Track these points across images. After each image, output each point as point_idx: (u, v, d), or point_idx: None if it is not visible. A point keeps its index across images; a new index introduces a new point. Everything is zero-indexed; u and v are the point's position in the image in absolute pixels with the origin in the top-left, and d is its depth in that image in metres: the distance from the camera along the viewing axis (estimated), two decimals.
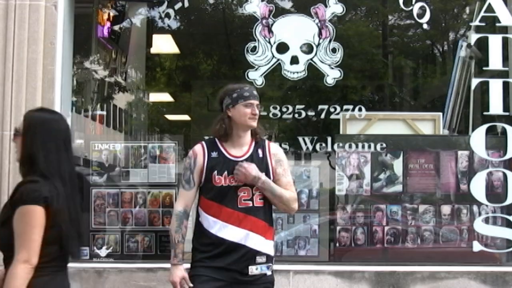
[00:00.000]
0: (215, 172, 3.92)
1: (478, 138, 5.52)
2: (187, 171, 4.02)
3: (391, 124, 5.97)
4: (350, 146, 5.66)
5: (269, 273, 4.00)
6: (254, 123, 3.98)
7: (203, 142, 4.06)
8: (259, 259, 3.93)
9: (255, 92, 4.03)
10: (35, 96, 5.17)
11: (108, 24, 6.30)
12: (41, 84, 5.21)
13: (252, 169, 3.87)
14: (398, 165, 5.65)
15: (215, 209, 3.91)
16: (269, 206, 4.02)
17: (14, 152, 4.82)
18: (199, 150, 4.02)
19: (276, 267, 5.20)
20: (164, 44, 7.39)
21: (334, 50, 5.58)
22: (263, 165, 3.97)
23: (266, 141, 4.10)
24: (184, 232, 4.02)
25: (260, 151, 4.01)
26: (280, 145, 5.63)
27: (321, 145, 5.65)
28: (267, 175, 3.96)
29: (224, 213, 3.89)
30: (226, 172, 3.91)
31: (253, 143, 4.03)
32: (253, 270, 3.90)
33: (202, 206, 4.00)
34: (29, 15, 5.20)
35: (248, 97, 3.98)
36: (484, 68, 5.63)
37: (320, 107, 5.69)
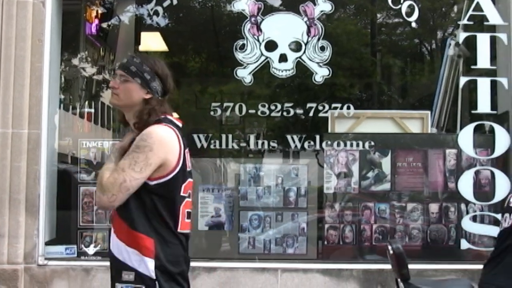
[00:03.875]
0: None
1: (466, 136, 5.56)
2: None
3: (379, 123, 5.99)
4: (338, 144, 5.66)
5: None
6: (112, 100, 3.09)
7: None
8: (125, 275, 2.86)
9: (124, 60, 3.15)
10: (22, 93, 5.15)
11: (96, 21, 6.27)
12: (29, 81, 5.18)
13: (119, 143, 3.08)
14: (386, 163, 5.67)
15: None
16: (139, 204, 2.88)
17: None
18: None
19: (264, 265, 5.24)
20: (152, 42, 7.36)
21: (322, 48, 5.58)
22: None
23: (151, 126, 3.02)
24: None
25: (137, 137, 2.97)
26: (269, 143, 5.66)
27: (309, 143, 5.65)
28: None
29: None
30: None
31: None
32: None
33: None
34: (16, 12, 5.17)
35: None
36: (472, 67, 5.66)
37: (308, 105, 5.70)
